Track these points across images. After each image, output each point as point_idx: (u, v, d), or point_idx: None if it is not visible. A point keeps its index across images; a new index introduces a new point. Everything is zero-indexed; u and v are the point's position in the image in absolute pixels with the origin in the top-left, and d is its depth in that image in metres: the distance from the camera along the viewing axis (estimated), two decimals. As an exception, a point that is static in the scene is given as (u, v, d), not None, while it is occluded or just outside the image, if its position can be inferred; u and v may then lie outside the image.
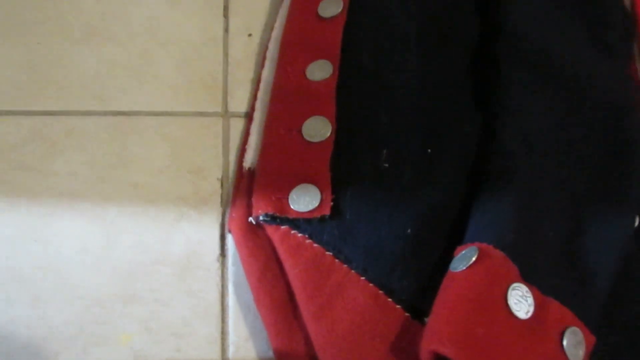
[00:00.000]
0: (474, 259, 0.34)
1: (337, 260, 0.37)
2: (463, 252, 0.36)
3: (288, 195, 0.39)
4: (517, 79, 0.40)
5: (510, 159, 0.38)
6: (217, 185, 0.44)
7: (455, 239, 0.37)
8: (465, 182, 0.40)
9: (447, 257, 0.36)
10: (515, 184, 0.38)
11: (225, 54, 0.46)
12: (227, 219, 0.42)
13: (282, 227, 0.39)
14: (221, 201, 0.43)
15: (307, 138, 0.42)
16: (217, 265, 0.41)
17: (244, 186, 0.42)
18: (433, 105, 0.43)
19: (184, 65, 0.45)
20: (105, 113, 0.44)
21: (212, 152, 0.44)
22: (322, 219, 0.39)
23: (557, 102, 0.39)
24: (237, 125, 0.44)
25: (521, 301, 0.32)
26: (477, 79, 0.43)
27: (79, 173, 0.42)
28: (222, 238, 0.42)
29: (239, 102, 0.45)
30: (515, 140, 0.39)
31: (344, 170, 0.40)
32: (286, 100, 0.43)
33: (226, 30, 0.47)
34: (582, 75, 0.41)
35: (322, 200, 0.39)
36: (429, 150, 0.41)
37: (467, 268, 0.33)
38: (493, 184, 0.39)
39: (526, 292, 0.32)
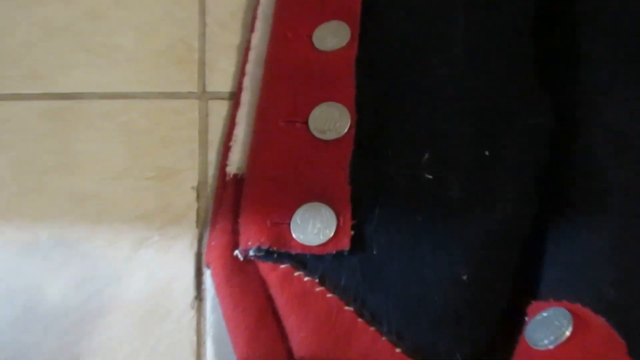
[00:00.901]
0: (567, 333, 0.24)
1: (360, 320, 0.27)
2: (545, 314, 0.26)
3: (290, 219, 0.28)
4: (604, 54, 0.31)
5: (600, 169, 0.29)
6: (192, 196, 0.32)
7: (524, 278, 0.28)
8: (535, 196, 0.29)
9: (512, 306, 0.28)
10: (612, 210, 0.28)
11: (202, 13, 0.37)
12: (205, 247, 0.31)
13: (282, 265, 0.28)
14: (197, 220, 0.32)
15: (317, 134, 0.30)
16: (191, 313, 0.30)
17: (229, 200, 0.31)
18: (487, 89, 0.32)
19: (147, 29, 0.36)
20: (40, 96, 0.35)
21: (186, 149, 0.32)
22: (339, 256, 0.28)
23: None
24: (219, 110, 0.35)
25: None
26: (542, 52, 0.33)
27: (3, 180, 0.32)
28: (199, 273, 0.31)
29: (221, 79, 0.36)
30: (605, 143, 0.30)
31: (369, 183, 0.29)
32: (286, 78, 0.32)
33: (204, -21, 0.37)
34: None
35: (338, 228, 0.28)
36: (486, 153, 0.29)
37: (557, 347, 0.24)
38: (578, 205, 0.29)
39: None
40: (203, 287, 0.31)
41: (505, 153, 0.30)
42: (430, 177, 0.29)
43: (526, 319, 0.27)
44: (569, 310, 0.25)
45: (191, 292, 0.31)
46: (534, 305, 0.27)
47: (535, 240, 0.29)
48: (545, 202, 0.29)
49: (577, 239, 0.27)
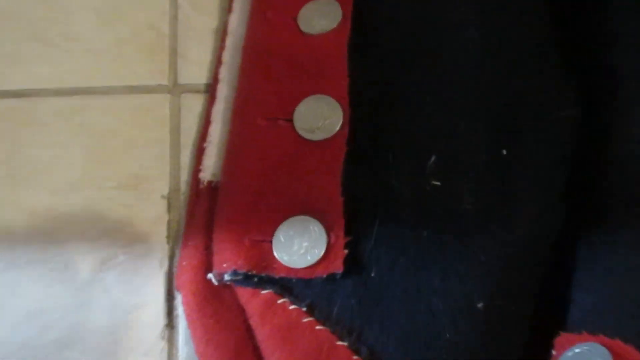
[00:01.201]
0: None
1: (355, 357, 0.22)
2: (578, 350, 0.22)
3: (272, 236, 0.24)
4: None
5: None
6: (162, 207, 0.28)
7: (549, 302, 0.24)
8: (562, 203, 0.24)
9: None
10: None
11: (172, -7, 0.32)
12: (176, 268, 0.26)
13: (264, 291, 0.24)
14: (168, 234, 0.28)
15: (303, 134, 0.26)
16: (161, 345, 0.26)
17: (202, 211, 0.26)
18: (505, 77, 0.27)
19: (109, 14, 0.32)
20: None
21: (155, 152, 0.28)
22: (331, 280, 0.24)
23: None
24: (193, 106, 0.31)
25: None
26: (567, 35, 0.28)
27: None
28: (170, 297, 0.27)
29: (196, 69, 0.32)
30: None
31: (366, 193, 0.25)
32: (266, 67, 0.28)
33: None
34: None
35: (329, 247, 0.24)
36: (504, 152, 0.25)
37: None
38: (617, 214, 0.24)
39: None
40: (175, 312, 0.27)
41: (526, 153, 0.26)
42: (438, 184, 0.25)
43: (553, 352, 0.23)
44: (607, 347, 0.21)
45: (161, 319, 0.27)
46: (563, 337, 0.22)
47: (563, 255, 0.24)
48: (574, 209, 0.25)
49: (615, 255, 0.23)
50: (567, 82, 0.27)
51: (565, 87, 0.27)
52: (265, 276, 0.24)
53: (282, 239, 0.24)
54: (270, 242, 0.24)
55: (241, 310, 0.24)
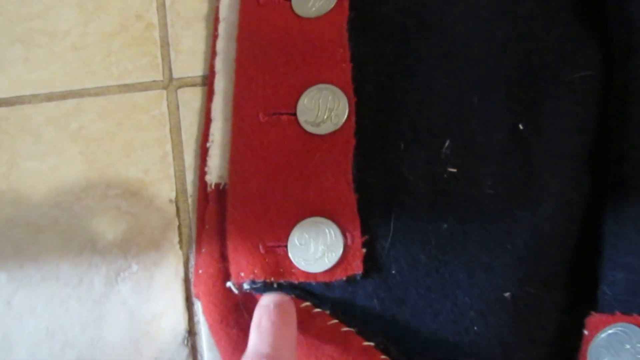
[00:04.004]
0: None
1: (383, 357, 0.21)
2: (612, 331, 0.21)
3: (287, 240, 0.23)
4: None
5: None
6: (171, 211, 0.27)
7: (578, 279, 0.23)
8: (587, 175, 0.23)
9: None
10: None
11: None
12: (193, 273, 0.26)
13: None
14: (180, 239, 0.27)
15: (309, 128, 0.24)
16: (185, 352, 0.26)
17: (213, 216, 0.26)
18: (518, 39, 0.25)
19: (93, 6, 0.30)
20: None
21: (157, 153, 0.27)
22: (352, 281, 0.22)
23: None
24: (192, 100, 0.30)
25: None
26: None
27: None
28: (189, 304, 0.26)
29: (190, 61, 0.30)
30: None
31: (379, 188, 0.24)
32: (262, 57, 0.26)
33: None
34: None
35: (346, 248, 0.23)
36: (521, 126, 0.24)
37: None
38: None
39: None
40: (196, 319, 0.26)
41: (545, 125, 0.24)
42: (455, 170, 0.23)
43: (585, 332, 0.22)
44: None
45: (182, 326, 0.26)
46: (595, 317, 0.22)
47: (589, 228, 0.23)
48: (600, 180, 0.24)
49: (644, 232, 0.22)
50: (583, 39, 0.25)
51: (581, 44, 0.25)
52: (285, 282, 0.23)
53: (298, 243, 0.23)
54: (286, 247, 0.23)
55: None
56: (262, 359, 0.20)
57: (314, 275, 0.23)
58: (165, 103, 0.29)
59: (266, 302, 0.23)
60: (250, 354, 0.21)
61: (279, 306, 0.22)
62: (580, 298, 0.23)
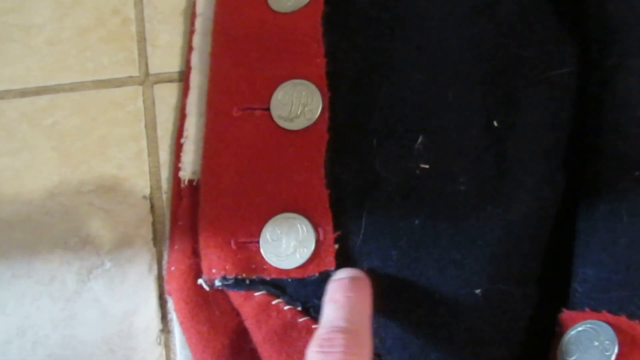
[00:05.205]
0: (614, 355, 0.18)
1: (355, 355, 0.21)
2: (581, 328, 0.21)
3: (259, 236, 0.23)
4: None
5: None
6: (145, 208, 0.27)
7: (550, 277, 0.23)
8: (562, 173, 0.23)
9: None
10: None
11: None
12: (165, 270, 0.26)
13: (257, 293, 0.23)
14: (154, 236, 0.27)
15: (282, 123, 0.24)
16: (158, 350, 0.25)
17: (186, 212, 0.25)
18: (494, 35, 0.25)
19: (72, 1, 0.30)
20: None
21: (132, 149, 0.27)
22: (324, 277, 0.22)
23: None
24: (168, 96, 0.29)
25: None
26: None
27: None
28: (162, 301, 0.26)
29: (167, 56, 0.30)
30: None
31: (352, 183, 0.23)
32: (237, 51, 0.26)
33: None
34: None
35: (318, 244, 0.23)
36: (495, 123, 0.24)
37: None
38: (619, 180, 0.23)
39: None
40: (169, 316, 0.26)
41: (520, 121, 0.24)
42: (427, 167, 0.23)
43: (556, 329, 0.22)
44: (612, 324, 0.20)
45: (156, 325, 0.26)
46: (566, 315, 0.22)
47: (561, 225, 0.23)
48: (573, 177, 0.24)
49: (617, 225, 0.22)
50: (560, 36, 0.25)
51: (559, 41, 0.25)
52: (257, 278, 0.23)
53: (270, 239, 0.23)
54: (258, 242, 0.23)
55: (236, 314, 0.24)
56: (338, 334, 0.20)
57: (287, 271, 0.23)
58: (141, 99, 0.29)
59: (341, 276, 0.22)
60: (326, 328, 0.20)
61: (354, 280, 0.22)
62: (553, 295, 0.23)
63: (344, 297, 0.21)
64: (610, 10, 0.24)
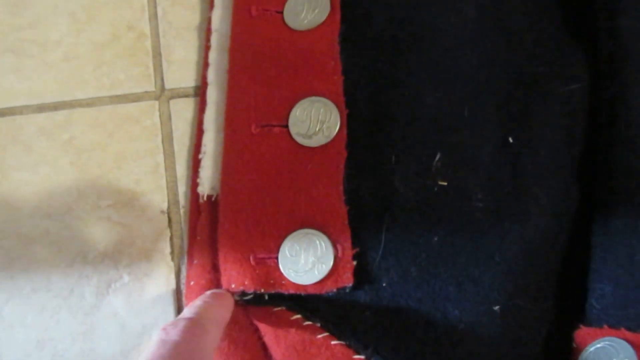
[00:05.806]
0: None
1: (375, 370, 0.22)
2: (600, 345, 0.21)
3: (278, 252, 0.23)
4: None
5: None
6: (163, 222, 0.27)
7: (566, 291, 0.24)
8: (576, 187, 0.24)
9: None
10: None
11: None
12: (184, 285, 0.26)
13: (276, 308, 0.23)
14: (172, 250, 0.27)
15: (300, 140, 0.25)
16: (176, 365, 0.25)
17: (205, 228, 0.26)
18: (506, 52, 0.25)
19: (84, 15, 0.30)
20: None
21: (149, 164, 0.27)
22: (342, 292, 0.22)
23: None
24: (184, 111, 0.30)
25: None
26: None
27: None
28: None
29: (182, 71, 0.30)
30: None
31: (371, 200, 0.24)
32: (255, 69, 0.26)
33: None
34: None
35: (337, 260, 0.23)
36: (510, 139, 0.24)
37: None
38: (635, 194, 0.23)
39: None
40: (187, 330, 0.26)
41: (534, 136, 0.25)
42: (445, 183, 0.24)
43: (573, 345, 0.22)
44: (630, 342, 0.20)
45: (173, 338, 0.26)
46: (583, 331, 0.22)
47: (577, 240, 0.24)
48: (589, 191, 0.24)
49: (634, 242, 0.22)
50: (572, 51, 0.25)
51: (571, 56, 0.26)
52: (276, 293, 0.23)
53: (288, 254, 0.23)
54: (276, 258, 0.23)
55: (255, 329, 0.24)
56: (182, 321, 0.21)
57: (305, 287, 0.23)
58: (157, 114, 0.29)
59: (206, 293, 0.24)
60: (174, 320, 0.22)
61: (214, 293, 0.24)
62: (569, 310, 0.23)
63: (199, 300, 0.23)
64: (621, 24, 0.25)
